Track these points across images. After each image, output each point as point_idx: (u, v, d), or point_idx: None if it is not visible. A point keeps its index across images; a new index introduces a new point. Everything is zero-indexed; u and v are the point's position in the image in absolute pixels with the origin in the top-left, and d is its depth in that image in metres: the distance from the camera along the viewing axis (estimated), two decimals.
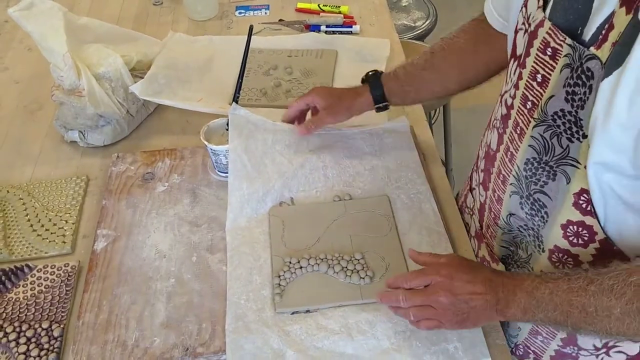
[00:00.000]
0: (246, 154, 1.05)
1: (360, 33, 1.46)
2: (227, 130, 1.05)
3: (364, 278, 0.87)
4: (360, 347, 0.80)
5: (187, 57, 1.29)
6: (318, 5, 1.55)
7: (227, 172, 1.04)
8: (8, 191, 1.05)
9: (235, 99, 1.06)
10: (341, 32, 1.46)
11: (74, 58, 1.06)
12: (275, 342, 0.81)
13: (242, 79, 1.07)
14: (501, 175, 0.81)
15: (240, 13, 1.56)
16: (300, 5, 1.56)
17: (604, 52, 0.59)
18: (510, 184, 0.79)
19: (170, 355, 0.81)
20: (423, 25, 2.11)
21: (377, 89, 1.01)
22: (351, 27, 1.46)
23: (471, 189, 1.00)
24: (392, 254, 0.91)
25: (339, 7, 1.54)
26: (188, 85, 1.23)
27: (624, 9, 0.57)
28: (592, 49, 0.60)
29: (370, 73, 1.03)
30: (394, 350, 0.80)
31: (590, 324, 0.66)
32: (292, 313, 0.85)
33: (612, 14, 0.58)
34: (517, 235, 0.83)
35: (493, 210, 0.86)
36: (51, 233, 0.98)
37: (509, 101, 0.77)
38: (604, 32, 0.59)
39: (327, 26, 1.47)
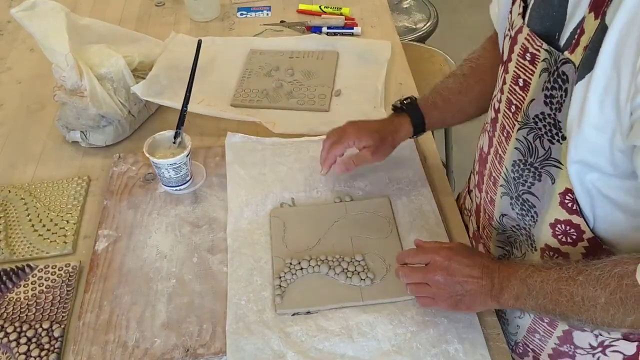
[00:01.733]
0: (244, 169, 1.07)
1: (362, 35, 1.46)
2: (174, 143, 1.04)
3: (364, 280, 0.88)
4: (361, 349, 0.80)
5: (188, 58, 1.29)
6: (319, 6, 1.55)
7: (171, 185, 1.03)
8: (10, 191, 1.06)
9: (185, 101, 1.04)
10: (342, 34, 1.46)
11: (76, 58, 1.06)
12: (275, 344, 0.81)
13: (191, 85, 1.04)
14: (492, 177, 0.83)
15: (241, 14, 1.56)
16: (302, 6, 1.56)
17: (577, 56, 0.61)
18: (501, 186, 0.81)
19: (171, 356, 0.81)
20: (424, 27, 2.11)
21: (417, 119, 0.97)
22: (352, 28, 1.47)
23: (469, 191, 1.02)
24: (392, 256, 0.91)
25: (340, 8, 1.54)
26: None
27: (592, 14, 0.59)
28: (566, 53, 0.63)
29: (405, 101, 0.99)
30: (394, 352, 0.80)
31: (577, 313, 0.69)
32: (293, 314, 0.85)
33: (583, 19, 0.61)
34: (511, 235, 0.85)
35: (487, 211, 0.88)
36: (52, 233, 0.98)
37: (496, 105, 0.79)
38: (576, 37, 0.61)
39: (329, 28, 1.48)
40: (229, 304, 0.86)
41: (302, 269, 0.89)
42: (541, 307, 0.72)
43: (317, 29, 1.48)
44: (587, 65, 0.60)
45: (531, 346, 0.88)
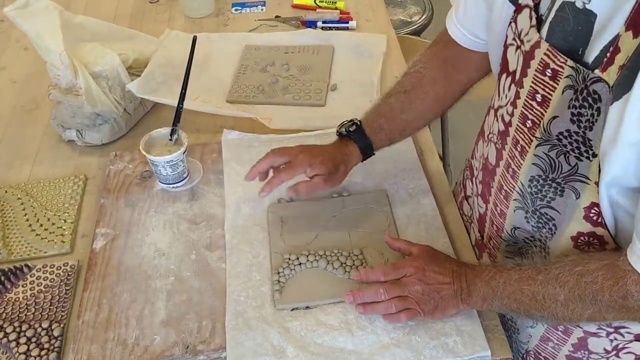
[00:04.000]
0: (240, 166, 1.07)
1: (357, 29, 1.46)
2: (170, 140, 1.04)
3: None
4: (360, 343, 0.81)
5: (183, 54, 1.29)
6: (314, 1, 1.55)
7: (168, 183, 1.03)
8: (6, 191, 1.05)
9: (181, 98, 1.04)
10: (338, 28, 1.46)
11: (70, 57, 1.06)
12: (275, 339, 0.81)
13: (187, 81, 1.04)
14: (503, 191, 0.81)
15: (236, 10, 1.56)
16: (297, 1, 1.56)
17: (610, 75, 0.59)
18: (514, 200, 0.79)
19: (171, 353, 0.81)
20: (419, 20, 2.11)
21: (365, 144, 0.95)
22: (347, 22, 1.46)
23: (466, 197, 1.00)
24: (391, 250, 0.91)
25: (335, 2, 1.54)
26: None
27: (630, 32, 0.57)
28: (597, 71, 0.60)
29: (350, 128, 0.95)
30: (393, 345, 0.80)
31: (539, 310, 0.72)
32: (292, 309, 0.85)
33: (617, 37, 0.58)
34: (523, 246, 0.83)
35: (495, 223, 0.85)
36: (50, 232, 0.98)
37: (507, 118, 0.77)
38: (609, 54, 0.59)
39: (324, 22, 1.47)
40: (228, 300, 0.86)
41: (300, 264, 0.89)
42: (506, 306, 0.75)
43: (312, 24, 1.47)
44: (625, 84, 0.57)
45: (543, 354, 0.87)
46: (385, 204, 0.99)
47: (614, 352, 0.80)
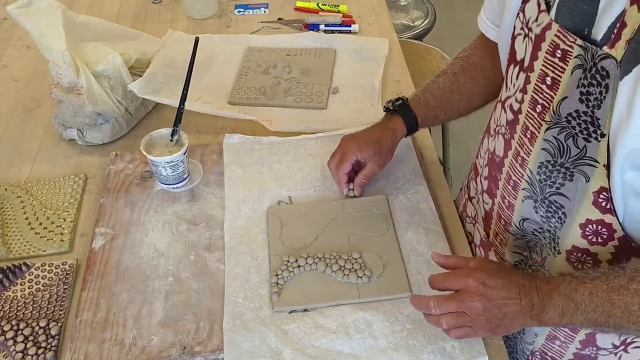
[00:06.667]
0: (241, 168, 1.07)
1: (359, 32, 1.46)
2: (171, 141, 1.04)
3: (361, 277, 0.88)
4: (358, 346, 0.81)
5: (185, 55, 1.29)
6: (317, 4, 1.55)
7: (168, 183, 1.03)
8: (6, 189, 1.05)
9: (182, 99, 1.04)
10: (340, 31, 1.46)
11: (72, 56, 1.06)
12: (272, 341, 0.81)
13: (188, 82, 1.04)
14: (511, 181, 0.80)
15: (239, 11, 1.56)
16: (299, 4, 1.56)
17: (618, 51, 0.60)
18: (523, 189, 0.78)
19: (168, 353, 0.81)
20: (422, 25, 2.11)
21: (410, 118, 0.99)
22: (350, 26, 1.47)
23: (470, 198, 1.00)
24: (389, 253, 0.91)
25: (337, 6, 1.54)
26: None
27: (635, 6, 0.58)
28: (605, 48, 0.61)
29: (396, 102, 1.00)
30: (391, 349, 0.80)
31: (634, 323, 0.65)
32: (290, 312, 0.85)
33: (623, 13, 0.59)
34: (531, 239, 0.82)
35: (503, 217, 0.85)
36: (49, 231, 0.98)
37: (516, 106, 0.76)
38: (616, 31, 0.60)
39: (326, 25, 1.47)
40: (226, 302, 0.86)
41: (299, 266, 0.89)
42: (591, 321, 0.67)
43: (314, 27, 1.48)
44: (634, 58, 0.58)
45: (550, 354, 0.86)
46: (385, 208, 0.99)
47: (622, 347, 0.79)
